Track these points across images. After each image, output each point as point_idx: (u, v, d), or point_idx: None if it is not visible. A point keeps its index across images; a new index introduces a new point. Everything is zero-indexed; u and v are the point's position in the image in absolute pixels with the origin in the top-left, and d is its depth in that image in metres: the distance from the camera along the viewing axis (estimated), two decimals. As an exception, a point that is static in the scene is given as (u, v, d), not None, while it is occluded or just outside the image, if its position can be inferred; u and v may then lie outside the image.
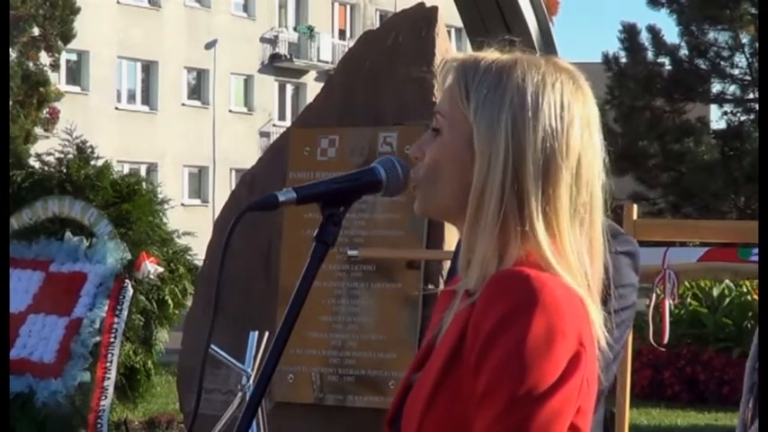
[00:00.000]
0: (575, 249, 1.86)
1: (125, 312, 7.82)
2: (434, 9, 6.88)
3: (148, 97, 38.97)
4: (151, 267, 7.96)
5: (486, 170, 1.85)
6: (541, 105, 1.87)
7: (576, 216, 1.87)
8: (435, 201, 1.93)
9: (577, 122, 1.89)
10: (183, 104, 39.68)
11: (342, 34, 44.10)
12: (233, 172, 38.46)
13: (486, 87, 1.89)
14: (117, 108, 37.73)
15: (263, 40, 41.90)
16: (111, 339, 7.74)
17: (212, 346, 4.92)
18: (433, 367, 1.87)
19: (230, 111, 40.82)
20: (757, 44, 19.02)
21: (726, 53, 20.08)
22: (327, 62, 41.11)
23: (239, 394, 5.73)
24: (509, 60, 1.92)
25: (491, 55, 1.94)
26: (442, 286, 5.56)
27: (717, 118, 23.07)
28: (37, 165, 8.82)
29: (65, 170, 8.49)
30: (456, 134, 1.90)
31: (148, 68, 38.84)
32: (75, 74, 36.86)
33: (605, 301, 1.91)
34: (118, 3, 37.56)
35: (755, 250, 5.11)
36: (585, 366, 1.81)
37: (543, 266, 1.83)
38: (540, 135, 1.86)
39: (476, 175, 1.86)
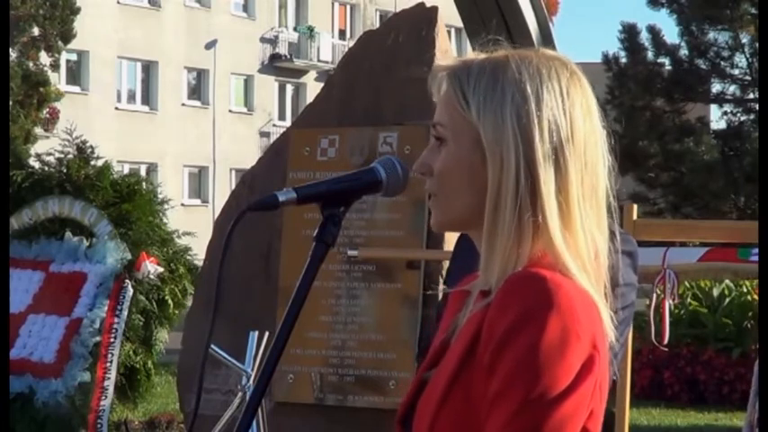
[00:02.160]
0: (587, 232, 1.87)
1: (125, 312, 7.82)
2: (434, 9, 6.88)
3: (148, 97, 38.96)
4: (151, 267, 7.96)
5: (500, 169, 1.86)
6: (542, 96, 1.88)
7: (585, 199, 1.88)
8: (453, 211, 1.93)
9: (578, 107, 1.90)
10: (183, 104, 39.68)
11: (342, 34, 44.10)
12: (233, 172, 38.46)
13: (484, 88, 1.89)
14: (117, 108, 37.73)
15: (263, 40, 41.90)
16: (111, 339, 7.73)
17: (212, 346, 4.92)
18: (447, 367, 1.87)
19: (230, 111, 40.82)
20: (757, 44, 19.01)
21: (726, 53, 20.05)
22: (327, 62, 41.11)
23: (239, 394, 5.72)
24: (500, 58, 1.92)
25: (479, 56, 1.94)
26: (441, 287, 5.56)
27: (717, 118, 23.07)
28: (37, 165, 8.81)
29: (65, 170, 8.48)
30: (461, 141, 1.90)
31: (148, 68, 38.84)
32: (76, 74, 36.86)
33: (612, 289, 1.92)
34: (118, 3, 37.56)
35: (755, 250, 5.12)
36: (599, 370, 1.81)
37: (557, 265, 1.84)
38: (545, 125, 1.87)
39: (490, 176, 1.86)
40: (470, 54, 1.96)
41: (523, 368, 1.76)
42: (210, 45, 39.81)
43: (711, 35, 20.11)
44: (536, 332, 1.77)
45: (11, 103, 24.71)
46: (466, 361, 1.83)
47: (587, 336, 1.80)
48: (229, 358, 5.70)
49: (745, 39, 19.83)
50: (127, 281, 7.91)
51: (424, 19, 6.79)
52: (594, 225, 1.89)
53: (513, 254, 1.85)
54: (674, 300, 5.23)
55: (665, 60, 20.53)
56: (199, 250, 8.12)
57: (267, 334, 5.70)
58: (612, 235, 1.93)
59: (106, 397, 7.61)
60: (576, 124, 1.89)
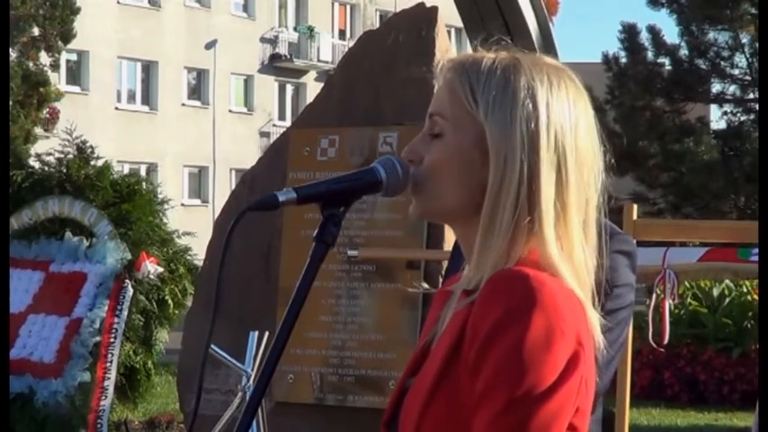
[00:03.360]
0: (581, 246, 1.88)
1: (125, 312, 7.82)
2: (434, 9, 6.88)
3: (148, 97, 38.97)
4: (151, 267, 7.96)
5: (503, 170, 1.86)
6: (552, 104, 1.88)
7: (580, 213, 1.89)
8: (438, 202, 1.92)
9: (583, 121, 1.91)
10: (183, 104, 39.69)
11: (342, 34, 44.10)
12: (233, 172, 38.46)
13: (495, 87, 1.88)
14: (117, 108, 37.74)
15: (263, 40, 41.90)
16: (111, 339, 7.74)
17: (212, 346, 4.92)
18: (432, 367, 1.87)
19: (230, 111, 40.82)
20: (757, 44, 19.00)
21: (726, 53, 20.03)
22: (327, 62, 41.12)
23: (239, 394, 5.73)
24: (511, 59, 1.92)
25: (488, 55, 1.94)
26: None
27: (717, 118, 23.04)
28: (37, 165, 8.81)
29: (65, 170, 8.48)
30: (462, 135, 1.90)
31: (148, 68, 38.84)
32: (75, 74, 36.87)
33: (598, 298, 1.92)
34: (118, 3, 37.57)
35: (755, 250, 5.12)
36: (584, 366, 1.81)
37: (544, 265, 1.84)
38: (552, 134, 1.87)
39: (492, 176, 1.86)
40: (477, 52, 1.96)
41: (508, 367, 1.76)
42: (210, 45, 39.81)
43: (711, 35, 20.10)
44: (520, 331, 1.77)
45: (11, 103, 24.71)
46: (451, 360, 1.83)
47: (572, 332, 1.80)
48: (229, 358, 5.70)
49: (745, 39, 19.82)
50: (127, 281, 7.91)
51: (424, 19, 6.79)
52: (583, 238, 1.90)
53: (503, 254, 1.85)
54: (674, 300, 5.22)
55: (665, 60, 20.52)
56: (199, 250, 8.13)
57: (267, 334, 5.71)
58: (601, 251, 1.93)
59: (106, 397, 7.61)
60: (580, 136, 1.90)
